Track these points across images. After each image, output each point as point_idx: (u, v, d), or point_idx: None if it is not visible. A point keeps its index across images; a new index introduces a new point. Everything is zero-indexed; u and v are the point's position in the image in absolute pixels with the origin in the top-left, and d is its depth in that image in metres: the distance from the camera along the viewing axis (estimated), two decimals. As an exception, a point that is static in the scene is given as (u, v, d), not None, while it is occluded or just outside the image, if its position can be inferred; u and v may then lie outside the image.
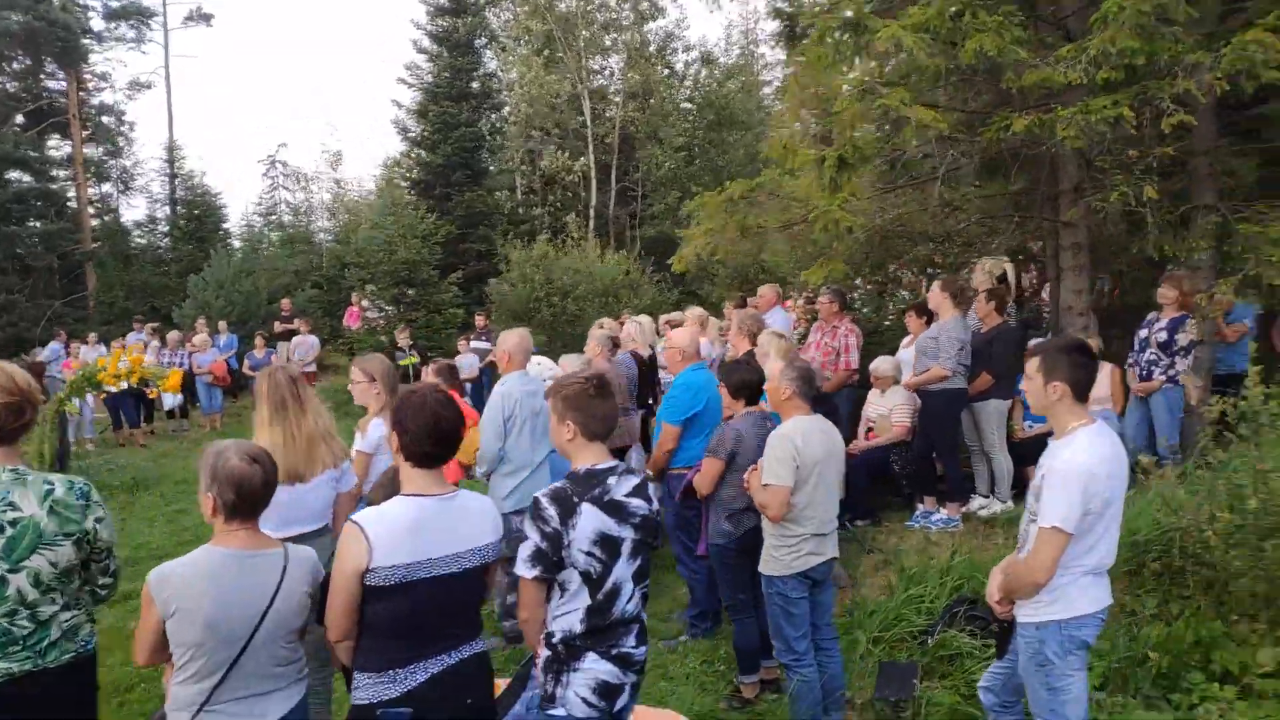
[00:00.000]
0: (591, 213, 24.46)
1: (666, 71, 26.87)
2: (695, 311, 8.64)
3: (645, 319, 9.23)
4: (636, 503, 2.92)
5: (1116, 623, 4.64)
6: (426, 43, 24.35)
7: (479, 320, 14.81)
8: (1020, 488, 7.57)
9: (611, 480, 2.89)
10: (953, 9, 5.26)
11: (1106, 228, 7.81)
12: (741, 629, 4.62)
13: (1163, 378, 7.11)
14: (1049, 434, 7.47)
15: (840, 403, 8.31)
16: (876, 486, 7.68)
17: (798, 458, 4.02)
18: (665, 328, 9.46)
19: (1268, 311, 9.05)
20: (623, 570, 2.87)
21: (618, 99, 25.45)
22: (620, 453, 7.42)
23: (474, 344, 14.13)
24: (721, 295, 15.30)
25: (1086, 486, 2.97)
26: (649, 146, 24.91)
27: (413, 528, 2.63)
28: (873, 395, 7.89)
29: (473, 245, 22.17)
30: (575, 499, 2.78)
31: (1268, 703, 3.86)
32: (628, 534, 2.88)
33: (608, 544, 2.82)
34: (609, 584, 2.83)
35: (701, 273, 17.29)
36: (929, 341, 7.05)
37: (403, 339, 14.17)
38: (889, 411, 7.60)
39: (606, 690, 2.83)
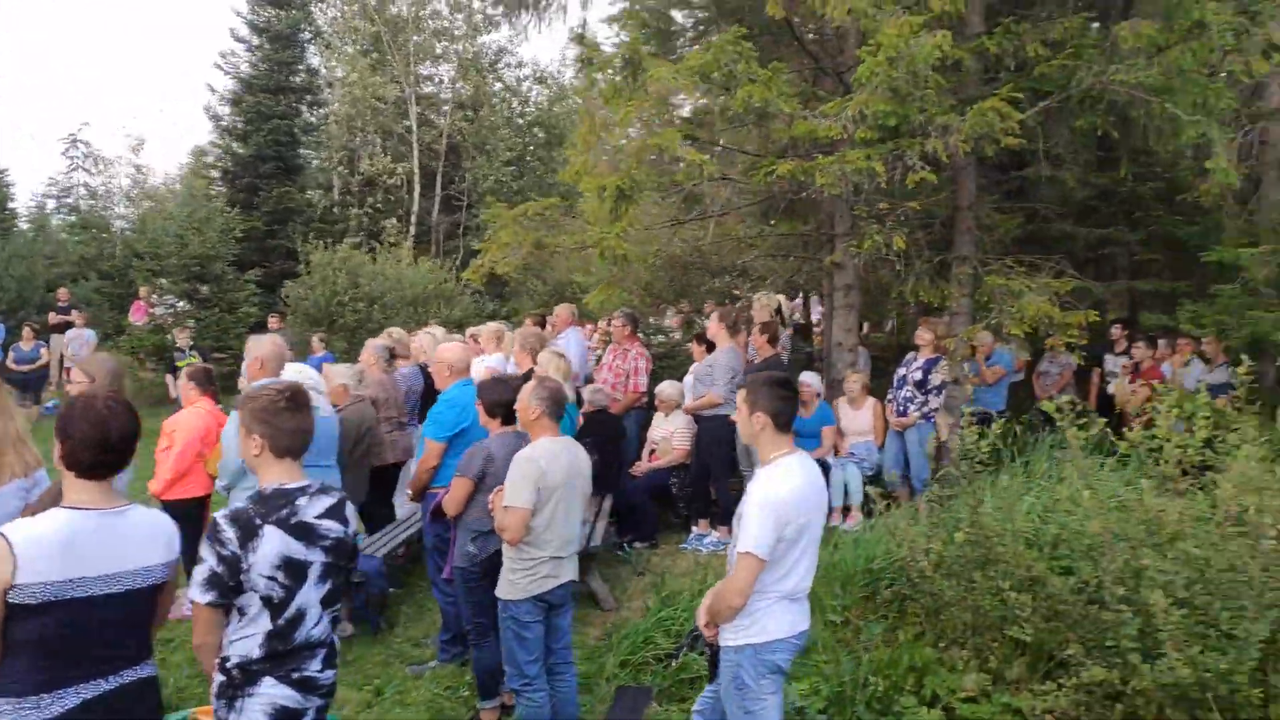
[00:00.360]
0: (413, 219, 23.88)
1: (499, 85, 26.71)
2: (492, 326, 8.55)
3: (438, 330, 9.05)
4: (328, 525, 2.81)
5: (846, 647, 4.90)
6: (245, 31, 23.12)
7: (272, 322, 14.07)
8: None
9: (301, 500, 2.77)
10: (729, 58, 5.49)
11: (878, 271, 8.36)
12: (481, 653, 4.55)
13: (917, 414, 7.65)
14: (817, 457, 7.78)
15: (630, 424, 8.46)
16: (658, 508, 7.86)
17: (540, 480, 4.01)
18: (471, 341, 9.32)
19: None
20: (309, 595, 2.75)
21: (447, 107, 25.03)
22: (395, 469, 7.22)
23: (266, 347, 13.41)
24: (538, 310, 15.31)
25: (779, 514, 3.09)
26: (477, 157, 24.63)
27: (66, 543, 2.42)
28: (657, 418, 8.07)
29: (281, 242, 21.13)
30: (258, 521, 2.64)
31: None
32: (316, 557, 2.76)
33: (292, 568, 2.70)
34: (292, 609, 2.71)
35: (520, 287, 17.20)
36: (705, 369, 7.28)
37: (182, 339, 13.24)
38: (670, 434, 7.79)
39: (285, 715, 2.69)
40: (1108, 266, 12.11)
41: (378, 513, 7.05)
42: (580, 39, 7.27)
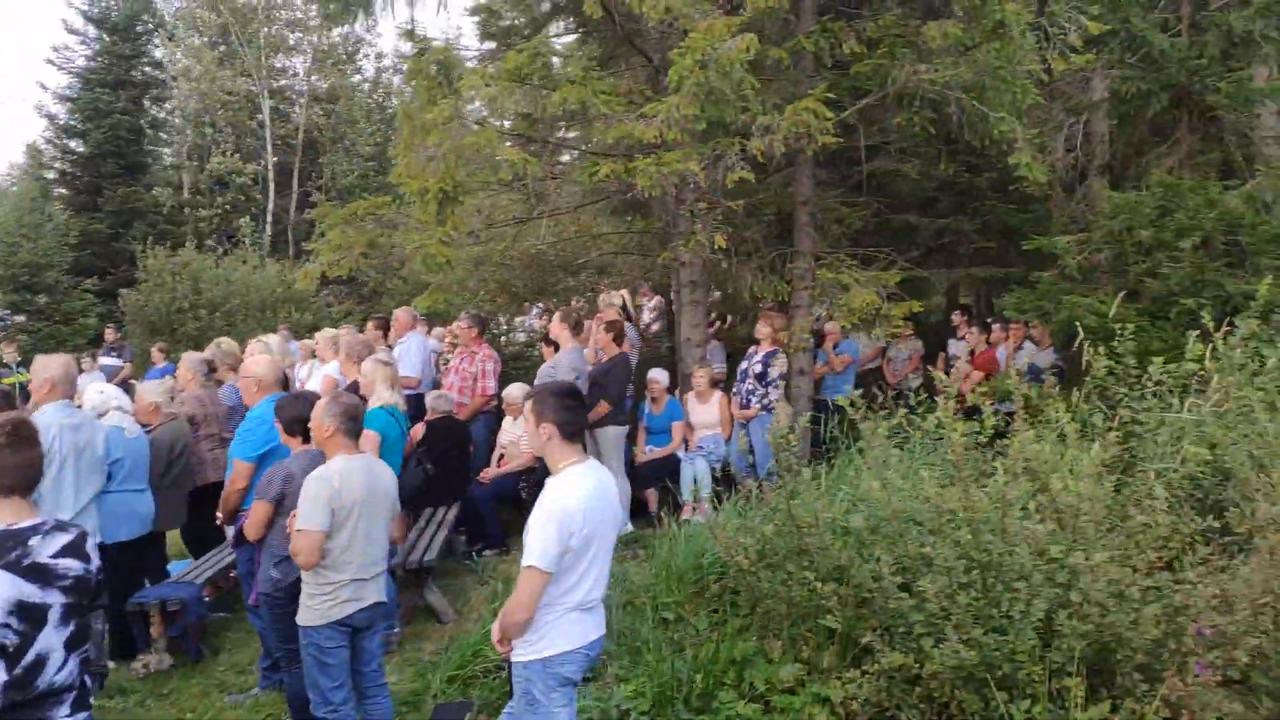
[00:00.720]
0: (269, 218, 22.92)
1: (358, 77, 25.92)
2: (329, 333, 8.23)
3: (274, 338, 8.68)
4: (66, 563, 2.60)
5: (675, 645, 4.91)
6: (80, 23, 21.69)
7: (108, 334, 13.24)
8: (640, 510, 7.98)
9: (34, 540, 2.56)
10: (545, 60, 5.42)
11: (721, 267, 8.45)
12: (292, 679, 4.35)
13: (758, 406, 7.77)
14: (670, 457, 7.81)
15: (480, 429, 8.30)
16: (515, 513, 7.73)
17: (334, 500, 3.85)
18: (327, 346, 8.95)
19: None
20: (50, 639, 2.54)
21: (302, 101, 24.12)
22: (217, 488, 6.86)
23: (103, 360, 12.63)
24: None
25: (563, 525, 3.05)
26: (335, 152, 23.81)
27: None
28: (506, 422, 7.94)
29: (125, 246, 19.94)
30: (-19, 567, 2.43)
31: (781, 716, 4.20)
32: (55, 599, 2.56)
33: (28, 612, 2.49)
34: (30, 655, 2.50)
35: (382, 288, 16.74)
36: (549, 370, 7.19)
37: (10, 353, 12.31)
38: (519, 438, 7.67)
39: (29, 767, 2.49)
40: (951, 255, 12.60)
41: (209, 534, 6.70)
42: (410, 35, 7.04)
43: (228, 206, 22.62)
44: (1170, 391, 5.08)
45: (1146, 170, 8.14)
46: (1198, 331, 5.29)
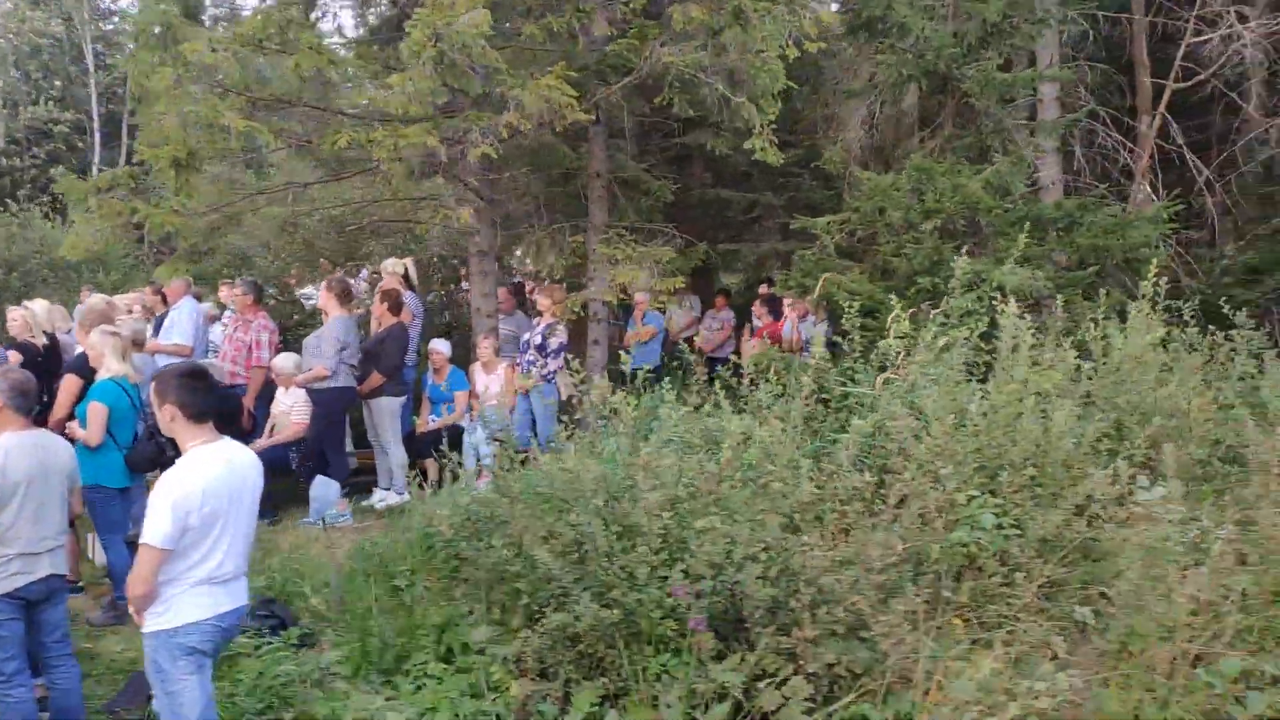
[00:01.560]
0: (94, 171, 21.62)
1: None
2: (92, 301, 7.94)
3: (41, 303, 8.30)
4: None
5: (387, 611, 5.06)
6: None
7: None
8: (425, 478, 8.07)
9: None
10: (278, 25, 5.35)
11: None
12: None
13: (538, 376, 7.96)
14: (452, 426, 7.87)
15: (260, 400, 8.19)
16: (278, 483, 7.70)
17: (1, 478, 3.84)
18: (120, 310, 8.62)
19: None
20: None
21: (132, 46, 22.72)
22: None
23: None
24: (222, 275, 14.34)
25: (179, 505, 3.14)
26: (169, 104, 22.61)
27: None
28: (279, 393, 7.86)
29: (-78, 202, 18.51)
30: None
31: (464, 675, 4.41)
32: None
33: None
34: None
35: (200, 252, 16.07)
36: (315, 341, 7.18)
37: None
38: (289, 409, 7.63)
39: None
40: (761, 230, 13.07)
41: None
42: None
43: (44, 158, 21.22)
44: (883, 367, 5.52)
45: (911, 154, 8.62)
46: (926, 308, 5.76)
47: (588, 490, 4.03)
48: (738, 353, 10.66)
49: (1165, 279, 6.03)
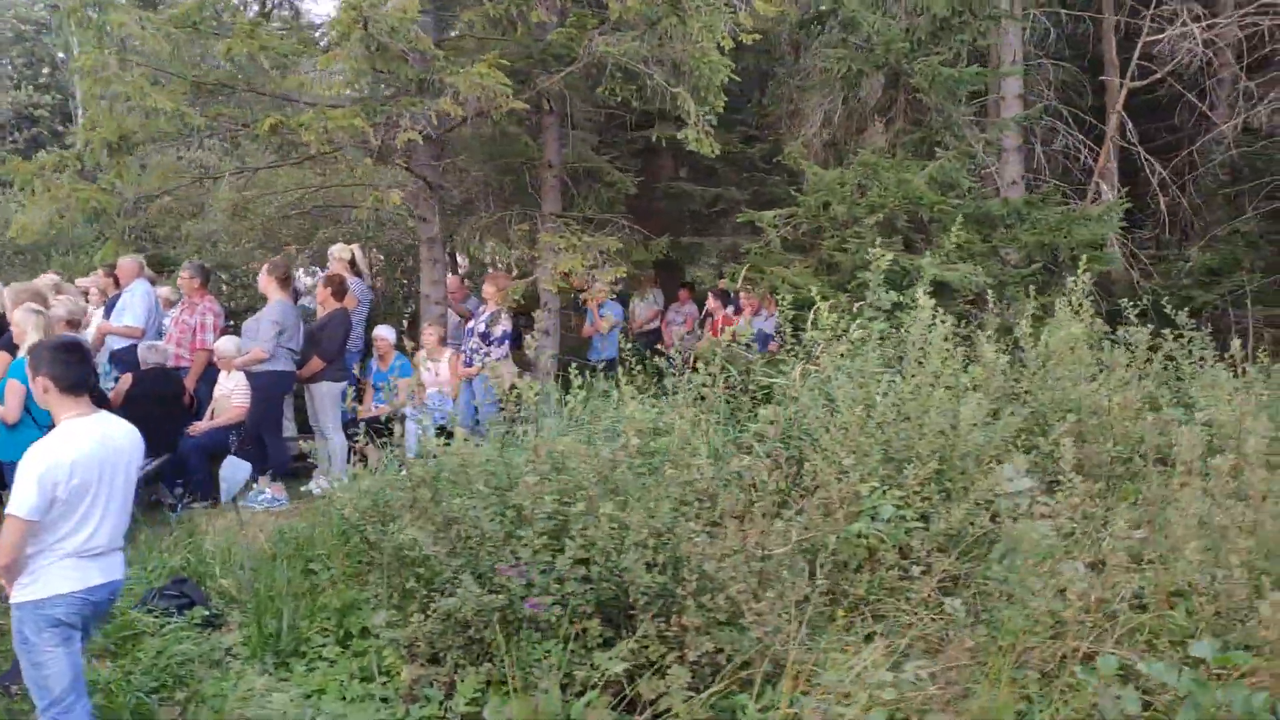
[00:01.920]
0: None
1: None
2: (42, 278, 7.94)
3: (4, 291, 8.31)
4: None
5: (295, 594, 5.06)
6: None
7: None
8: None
9: None
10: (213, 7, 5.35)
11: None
12: None
13: (481, 364, 7.95)
14: (395, 413, 7.85)
15: (205, 383, 8.18)
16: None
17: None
18: (74, 291, 8.62)
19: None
20: None
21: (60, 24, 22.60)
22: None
23: None
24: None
25: (45, 476, 3.13)
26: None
27: None
28: (221, 376, 7.85)
29: (-98, 181, 18.44)
30: None
31: (358, 658, 4.42)
32: None
33: None
34: None
35: (169, 235, 16.03)
36: (253, 324, 7.17)
37: None
38: (229, 392, 7.62)
39: None
40: (724, 224, 13.04)
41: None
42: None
43: (28, 141, 21.14)
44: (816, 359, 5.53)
45: (862, 148, 8.63)
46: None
47: (474, 475, 4.03)
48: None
49: (1118, 280, 6.04)
